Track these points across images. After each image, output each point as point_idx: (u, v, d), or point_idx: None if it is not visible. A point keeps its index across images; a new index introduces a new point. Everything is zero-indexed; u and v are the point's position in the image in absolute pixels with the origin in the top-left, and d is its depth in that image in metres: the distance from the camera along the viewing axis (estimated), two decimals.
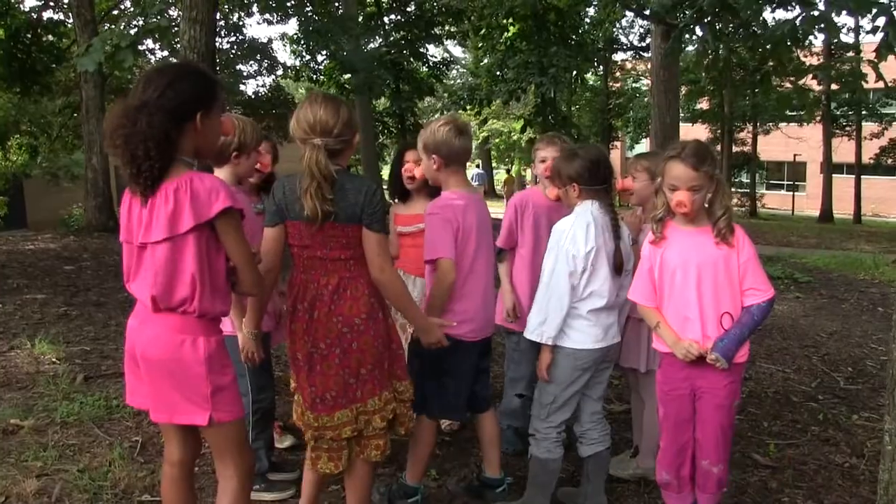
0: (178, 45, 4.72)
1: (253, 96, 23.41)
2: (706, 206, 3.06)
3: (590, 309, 3.28)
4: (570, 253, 3.21)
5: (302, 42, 21.30)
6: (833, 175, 31.21)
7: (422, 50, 25.20)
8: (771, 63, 5.00)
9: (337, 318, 2.86)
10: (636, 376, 3.97)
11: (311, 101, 2.89)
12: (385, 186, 5.52)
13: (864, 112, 29.93)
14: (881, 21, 4.50)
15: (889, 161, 31.90)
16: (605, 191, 3.37)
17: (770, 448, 4.40)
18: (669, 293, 3.12)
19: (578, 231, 3.24)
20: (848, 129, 31.53)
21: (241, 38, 21.99)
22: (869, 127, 30.80)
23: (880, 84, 26.08)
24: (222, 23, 19.70)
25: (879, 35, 4.64)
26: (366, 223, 2.83)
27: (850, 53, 27.04)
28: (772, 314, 7.99)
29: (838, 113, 30.02)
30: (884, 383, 5.60)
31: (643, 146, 37.07)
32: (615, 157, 41.00)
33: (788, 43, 4.99)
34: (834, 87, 27.43)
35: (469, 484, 3.83)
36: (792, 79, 22.15)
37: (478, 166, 37.62)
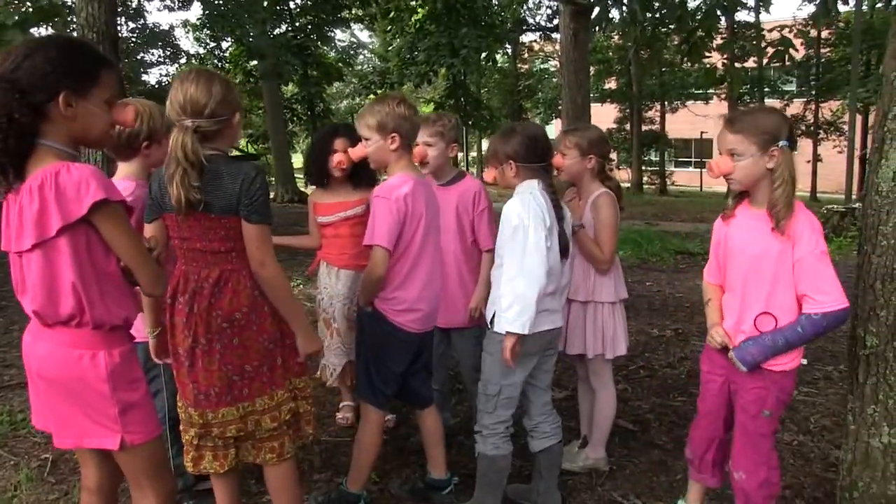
0: (75, 26, 4.30)
1: (156, 86, 22.60)
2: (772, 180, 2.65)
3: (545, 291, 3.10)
4: (538, 229, 2.97)
5: (206, 28, 20.66)
6: None
7: (329, 34, 24.74)
8: (700, 34, 4.95)
9: (217, 312, 2.61)
10: (584, 363, 3.78)
11: (181, 79, 2.60)
12: (303, 174, 5.20)
13: (766, 89, 30.73)
14: None
15: (790, 135, 32.78)
16: (544, 169, 3.16)
17: None
18: (728, 275, 2.87)
19: (534, 206, 3.01)
20: (752, 105, 32.28)
21: (142, 24, 21.16)
22: (771, 103, 31.64)
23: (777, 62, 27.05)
24: (121, 8, 18.91)
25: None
26: (243, 214, 2.55)
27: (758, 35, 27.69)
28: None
29: (743, 91, 30.72)
30: (817, 356, 5.63)
31: (554, 127, 37.41)
32: None
33: (718, 13, 4.88)
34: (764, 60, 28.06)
35: (413, 486, 3.59)
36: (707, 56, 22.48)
37: None
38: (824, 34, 28.70)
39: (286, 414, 2.78)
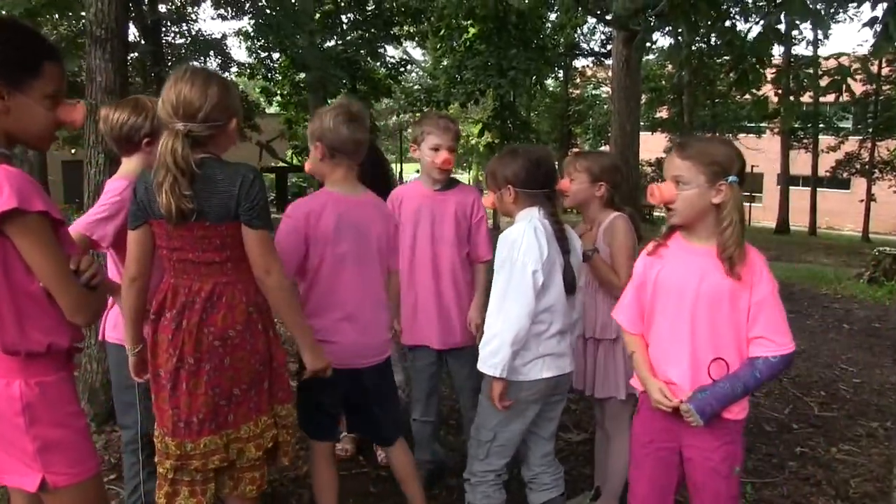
0: (84, 20, 4.16)
1: None
2: (719, 222, 2.42)
3: (539, 332, 2.82)
4: (526, 266, 2.72)
5: (255, 38, 20.72)
6: (789, 187, 31.36)
7: (380, 50, 24.70)
8: (751, 61, 4.66)
9: (208, 328, 2.40)
10: (602, 406, 3.48)
11: (176, 78, 2.41)
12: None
13: (821, 125, 30.10)
14: (880, 10, 4.09)
15: (844, 174, 32.14)
16: (545, 196, 2.91)
17: (746, 489, 3.94)
18: (661, 320, 2.55)
19: (529, 239, 2.75)
20: (805, 141, 31.70)
21: (188, 30, 21.24)
22: (826, 140, 30.98)
23: (833, 98, 26.50)
24: (164, 8, 19.01)
25: (868, 31, 4.31)
26: (244, 219, 2.39)
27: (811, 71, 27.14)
28: None
29: (797, 125, 30.13)
30: (860, 409, 5.25)
31: None
32: None
33: (771, 38, 4.59)
34: (822, 88, 27.44)
35: None
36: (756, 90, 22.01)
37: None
38: (885, 71, 28.02)
39: (269, 441, 2.57)
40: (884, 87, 28.48)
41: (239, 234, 2.40)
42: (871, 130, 29.25)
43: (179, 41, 21.46)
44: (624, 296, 2.73)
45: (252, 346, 2.47)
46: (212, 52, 21.86)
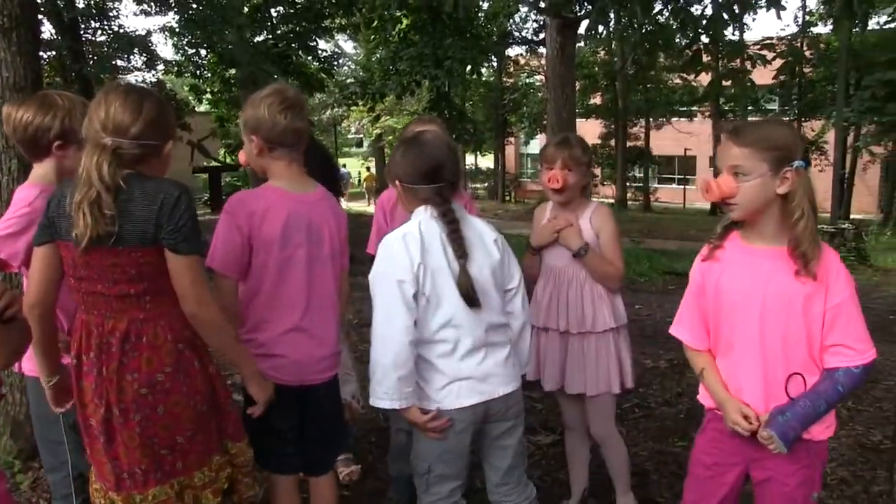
0: None
1: None
2: (784, 208, 2.13)
3: (445, 353, 2.45)
4: (387, 277, 2.40)
5: (182, 34, 20.12)
6: None
7: (311, 44, 24.26)
8: (703, 41, 4.59)
9: (131, 375, 2.10)
10: (591, 404, 3.25)
11: (106, 93, 2.16)
12: None
13: (749, 108, 30.57)
14: None
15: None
16: (435, 193, 2.47)
17: None
18: (726, 333, 2.26)
19: (394, 246, 2.43)
20: (724, 129, 32.19)
21: (110, 26, 20.50)
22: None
23: (766, 81, 26.97)
24: (82, 3, 18.30)
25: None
26: (168, 244, 2.09)
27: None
28: None
29: (727, 108, 30.56)
30: None
31: (538, 141, 37.17)
32: (510, 152, 41.10)
33: (726, 17, 4.45)
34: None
35: None
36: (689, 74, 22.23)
37: (344, 166, 36.75)
38: (805, 54, 28.60)
39: (224, 482, 2.30)
40: (806, 70, 29.02)
41: (159, 262, 2.10)
42: (797, 112, 29.83)
43: (101, 38, 20.69)
44: (681, 310, 2.43)
45: (189, 387, 2.18)
46: (136, 50, 21.19)
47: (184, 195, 2.12)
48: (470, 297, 2.41)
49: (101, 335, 2.11)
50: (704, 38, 4.67)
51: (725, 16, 4.47)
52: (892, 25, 25.81)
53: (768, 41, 25.68)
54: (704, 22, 4.60)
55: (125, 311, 2.11)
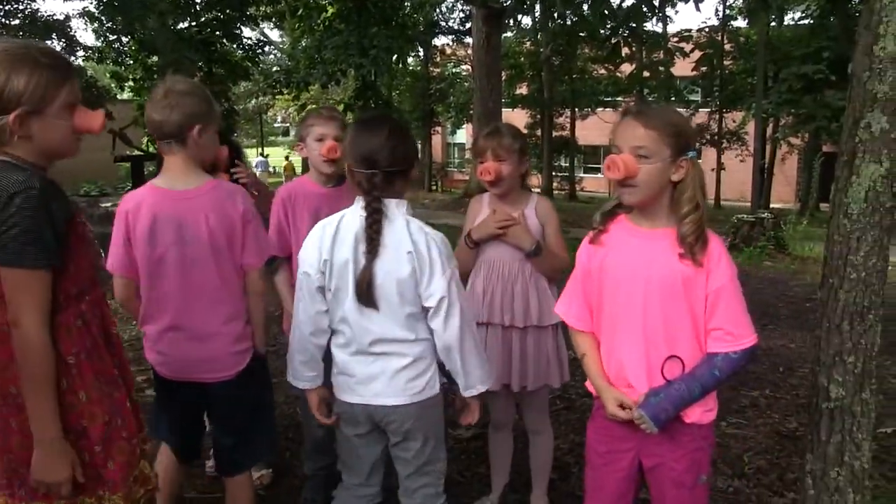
0: None
1: None
2: (674, 196, 2.15)
3: (341, 344, 2.46)
4: (301, 266, 2.43)
5: (101, 19, 19.52)
6: None
7: (236, 31, 23.82)
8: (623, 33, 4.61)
9: None
10: (529, 399, 3.25)
11: None
12: None
13: (672, 98, 31.11)
14: None
15: (696, 145, 33.39)
16: (368, 180, 2.34)
17: None
18: (609, 314, 2.25)
19: (313, 236, 2.43)
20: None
21: (25, 9, 19.77)
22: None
23: (689, 72, 27.52)
24: None
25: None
26: None
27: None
28: None
29: (651, 99, 31.04)
30: (739, 379, 5.25)
31: (465, 131, 37.26)
32: (436, 142, 41.09)
33: (645, 10, 4.48)
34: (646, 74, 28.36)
35: None
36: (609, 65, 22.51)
37: (266, 155, 36.29)
38: (726, 47, 29.22)
39: None
40: (726, 62, 29.67)
41: None
42: (718, 103, 30.50)
43: (15, 22, 19.94)
44: (565, 291, 2.42)
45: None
46: (54, 35, 20.50)
47: (17, 195, 1.79)
48: (364, 294, 2.32)
49: None
50: (625, 31, 4.70)
51: (645, 8, 4.50)
52: (805, 22, 26.61)
53: (687, 34, 26.28)
54: (625, 14, 4.64)
55: None
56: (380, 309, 2.34)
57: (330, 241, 2.35)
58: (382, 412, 2.42)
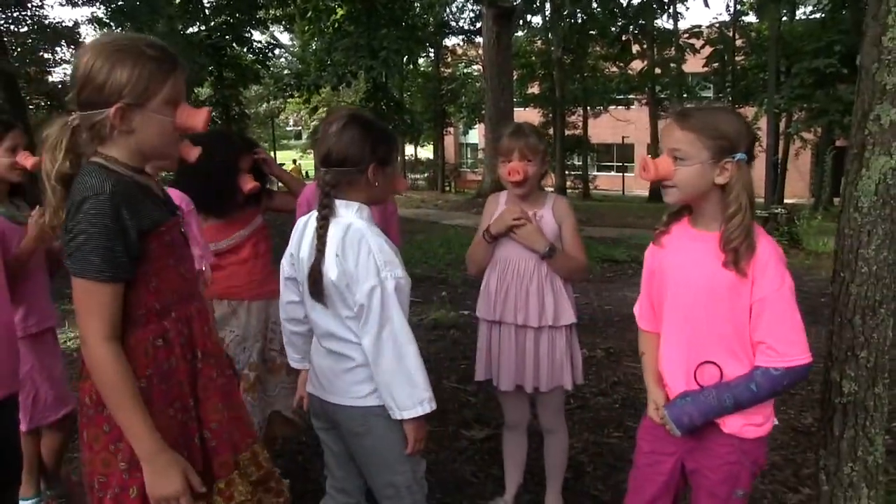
0: None
1: (60, 86, 21.32)
2: (725, 206, 2.07)
3: (313, 332, 2.50)
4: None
5: (111, 25, 19.59)
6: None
7: (246, 35, 23.91)
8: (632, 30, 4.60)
9: None
10: (520, 401, 3.24)
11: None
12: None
13: (685, 95, 31.00)
14: None
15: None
16: (322, 178, 2.32)
17: None
18: (664, 317, 2.24)
19: (295, 229, 2.49)
20: (671, 110, 32.65)
21: (32, 16, 19.81)
22: None
23: (698, 69, 27.44)
24: None
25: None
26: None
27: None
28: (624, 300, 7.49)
29: (663, 96, 30.95)
30: None
31: (477, 132, 37.23)
32: (449, 142, 41.09)
33: (655, 6, 4.46)
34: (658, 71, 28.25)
35: None
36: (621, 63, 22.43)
37: (293, 161, 36.41)
38: (738, 43, 29.11)
39: None
40: (738, 58, 29.54)
41: None
42: (730, 98, 30.35)
43: (23, 29, 20.00)
44: (641, 292, 2.43)
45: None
46: (63, 42, 20.55)
47: (87, 202, 1.74)
48: (311, 289, 2.29)
49: None
50: (635, 28, 4.67)
51: (654, 5, 4.48)
52: (816, 16, 26.47)
53: (698, 30, 26.17)
54: (634, 11, 4.63)
55: None
56: (327, 305, 2.31)
57: (299, 235, 2.42)
58: (332, 409, 2.38)
